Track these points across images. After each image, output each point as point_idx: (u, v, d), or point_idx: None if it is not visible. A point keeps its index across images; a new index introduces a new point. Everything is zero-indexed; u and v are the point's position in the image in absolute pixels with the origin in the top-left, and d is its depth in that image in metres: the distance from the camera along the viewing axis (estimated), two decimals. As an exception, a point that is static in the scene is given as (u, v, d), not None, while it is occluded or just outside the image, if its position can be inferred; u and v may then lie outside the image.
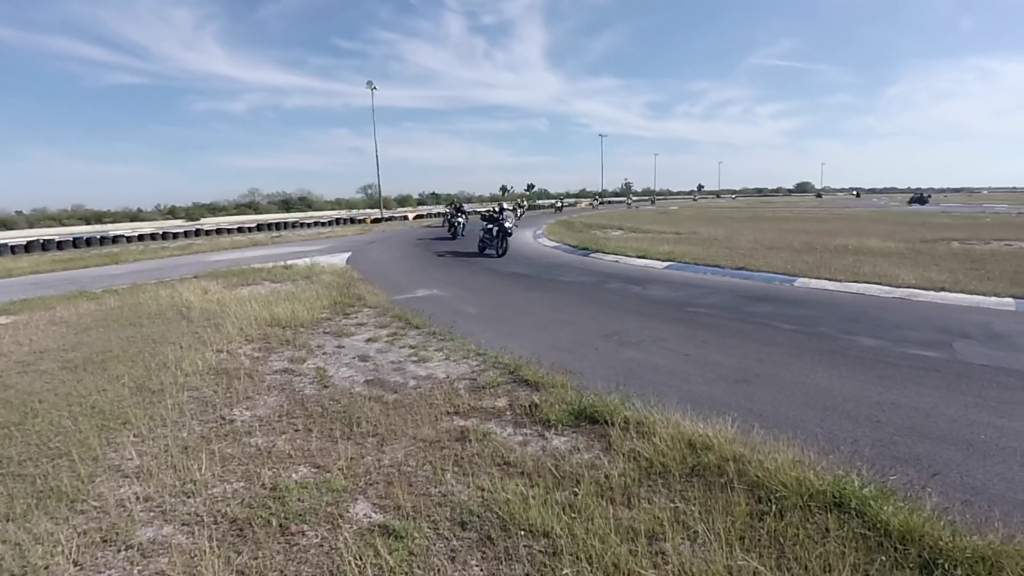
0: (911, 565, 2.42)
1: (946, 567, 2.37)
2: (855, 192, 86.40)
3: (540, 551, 2.60)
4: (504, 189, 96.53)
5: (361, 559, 2.54)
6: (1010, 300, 7.96)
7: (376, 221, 39.97)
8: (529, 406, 4.32)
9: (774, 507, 2.84)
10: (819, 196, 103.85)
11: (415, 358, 5.84)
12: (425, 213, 47.26)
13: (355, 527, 2.85)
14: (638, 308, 8.43)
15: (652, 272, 12.24)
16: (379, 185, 48.77)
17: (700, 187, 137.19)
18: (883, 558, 2.45)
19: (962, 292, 8.56)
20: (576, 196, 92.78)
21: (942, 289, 8.80)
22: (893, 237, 17.38)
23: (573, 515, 2.83)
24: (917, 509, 2.74)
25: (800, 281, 10.12)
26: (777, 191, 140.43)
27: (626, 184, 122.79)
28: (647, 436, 3.62)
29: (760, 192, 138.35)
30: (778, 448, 3.33)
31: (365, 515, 2.98)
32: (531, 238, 21.70)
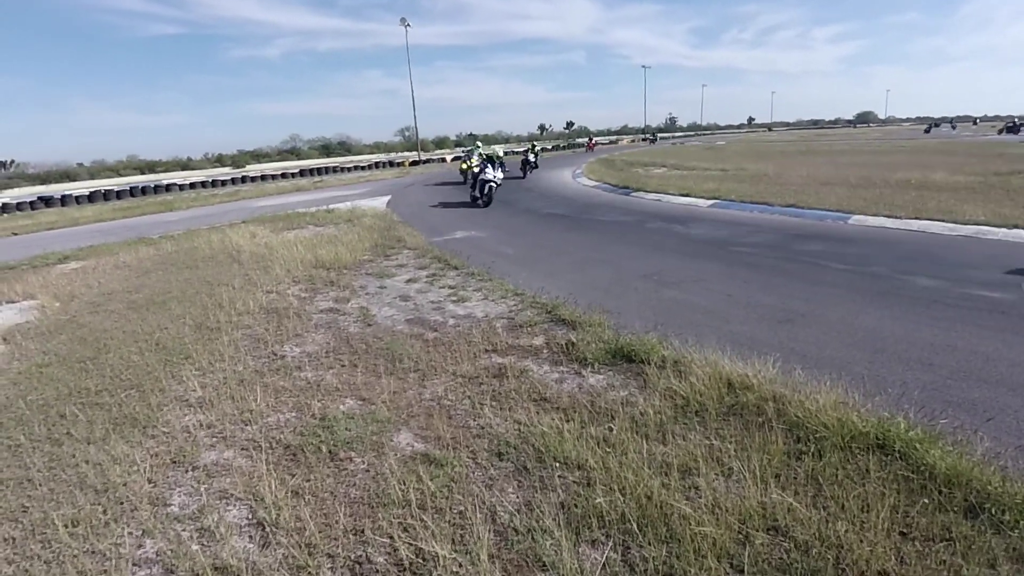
0: (955, 508, 2.36)
1: (992, 512, 2.31)
2: (928, 125, 68.42)
3: (574, 481, 2.69)
4: (543, 128, 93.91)
5: (405, 484, 2.70)
6: (1094, 237, 7.30)
7: (414, 164, 39.80)
8: (566, 344, 4.36)
9: (813, 447, 2.81)
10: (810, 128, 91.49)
11: (454, 298, 5.94)
12: (463, 155, 46.68)
13: (399, 455, 3.01)
14: (679, 247, 8.21)
15: (695, 211, 11.82)
16: (416, 127, 48.52)
17: (750, 120, 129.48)
18: (925, 500, 2.41)
19: (1039, 229, 7.90)
20: (617, 133, 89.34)
21: (1015, 226, 8.14)
22: (962, 170, 16.01)
23: (607, 449, 2.89)
24: (966, 453, 2.65)
25: (855, 218, 9.56)
26: (835, 123, 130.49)
27: (671, 119, 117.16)
28: (684, 375, 3.60)
29: (816, 124, 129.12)
30: (821, 389, 3.26)
31: (408, 444, 3.14)
32: (570, 178, 21.20)
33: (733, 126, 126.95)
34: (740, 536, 2.27)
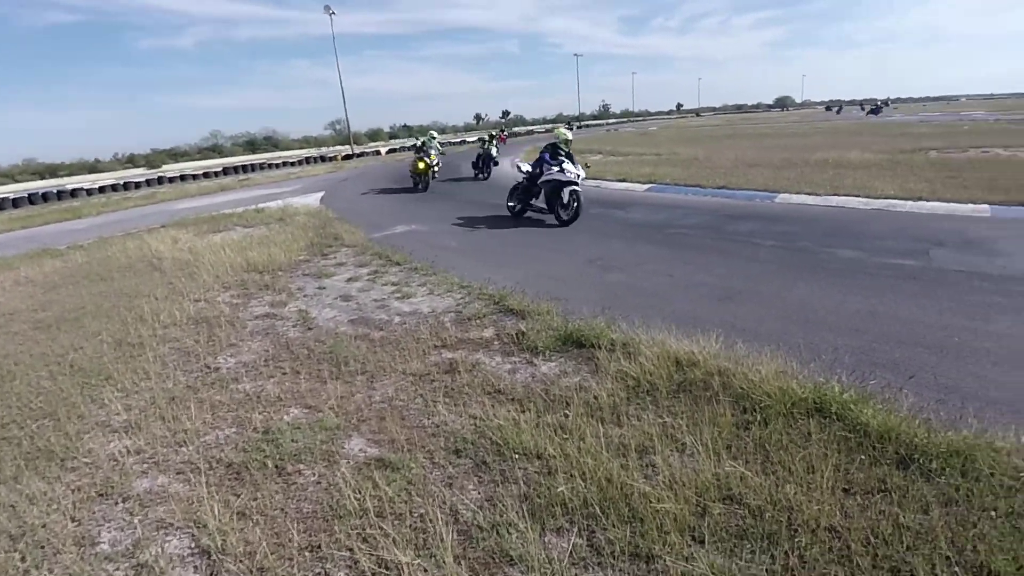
0: (888, 462, 2.53)
1: (921, 462, 2.50)
2: (837, 108, 75.85)
3: (535, 471, 2.67)
4: (479, 117, 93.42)
5: (360, 492, 2.58)
6: (985, 207, 8.07)
7: (348, 158, 38.52)
8: (516, 335, 4.33)
9: (759, 416, 2.93)
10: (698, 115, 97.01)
11: (398, 295, 5.78)
12: (398, 147, 45.63)
13: (352, 462, 2.88)
14: (620, 232, 8.37)
15: (633, 195, 12.10)
16: (347, 120, 46.96)
17: (679, 106, 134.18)
18: (862, 457, 2.56)
19: (939, 201, 8.65)
20: (552, 121, 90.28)
21: (920, 199, 8.87)
22: (872, 149, 17.28)
23: (565, 436, 2.89)
24: (894, 410, 2.85)
25: (781, 197, 10.10)
26: (757, 107, 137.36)
27: (604, 106, 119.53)
28: (633, 356, 3.66)
29: (740, 109, 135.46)
30: (762, 361, 3.40)
31: (360, 450, 3.01)
32: (508, 166, 21.15)
33: (663, 112, 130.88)
34: (698, 508, 2.33)
